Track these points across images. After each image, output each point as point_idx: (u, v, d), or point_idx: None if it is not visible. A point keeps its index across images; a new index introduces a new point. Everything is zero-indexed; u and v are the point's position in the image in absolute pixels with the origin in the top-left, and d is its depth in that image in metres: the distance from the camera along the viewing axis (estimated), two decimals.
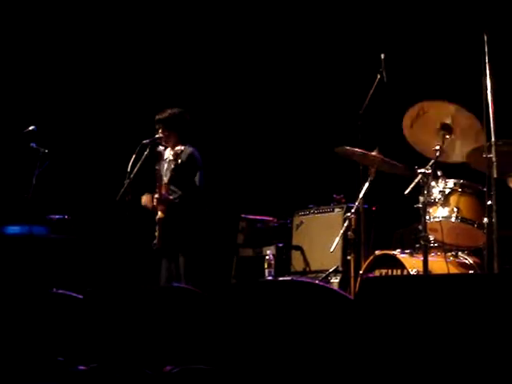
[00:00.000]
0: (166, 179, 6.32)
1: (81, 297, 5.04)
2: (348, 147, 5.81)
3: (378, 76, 6.00)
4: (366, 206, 6.18)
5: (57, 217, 7.57)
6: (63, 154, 8.44)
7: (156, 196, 6.31)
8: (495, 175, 4.61)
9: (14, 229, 7.43)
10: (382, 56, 5.98)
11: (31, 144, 6.90)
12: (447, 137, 5.46)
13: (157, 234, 6.38)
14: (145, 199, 6.45)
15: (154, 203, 6.33)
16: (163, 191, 6.29)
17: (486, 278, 3.89)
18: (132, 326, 4.75)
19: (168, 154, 6.52)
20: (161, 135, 6.40)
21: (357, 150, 5.79)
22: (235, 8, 8.68)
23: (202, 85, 8.78)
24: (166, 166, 6.49)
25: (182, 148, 6.33)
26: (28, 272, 7.08)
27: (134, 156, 6.20)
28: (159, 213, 6.31)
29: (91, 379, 4.67)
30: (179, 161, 6.21)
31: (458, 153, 5.53)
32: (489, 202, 4.80)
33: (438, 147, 5.42)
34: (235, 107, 8.78)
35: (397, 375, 3.50)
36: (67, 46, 8.74)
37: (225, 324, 4.35)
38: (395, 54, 6.21)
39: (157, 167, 6.46)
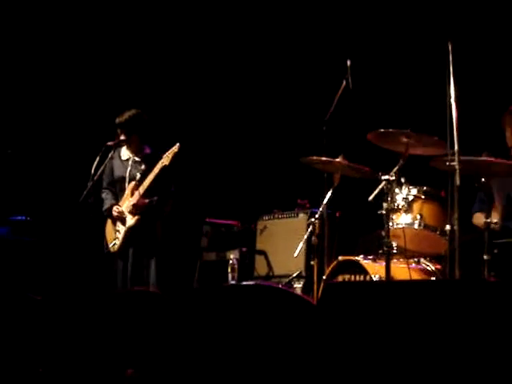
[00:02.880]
0: (143, 186, 6.28)
1: (39, 298, 5.01)
2: (313, 157, 5.82)
3: (344, 82, 6.02)
4: (329, 212, 6.20)
5: (18, 218, 7.50)
6: (26, 154, 8.37)
7: (132, 204, 6.29)
8: (458, 183, 4.65)
9: None
10: (348, 62, 6.00)
11: None
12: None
13: (119, 237, 6.37)
14: (119, 211, 6.40)
15: (129, 209, 6.31)
16: (140, 196, 6.29)
17: (447, 284, 3.92)
18: (94, 329, 4.72)
19: (127, 154, 6.50)
20: (124, 137, 6.39)
21: (322, 158, 5.81)
22: (197, 18, 8.70)
23: (169, 87, 8.76)
24: (129, 168, 6.45)
25: (169, 155, 6.26)
26: None
27: (97, 158, 6.18)
28: (132, 218, 6.30)
29: (51, 380, 4.65)
30: (164, 165, 6.19)
31: None
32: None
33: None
34: (200, 111, 8.77)
35: (358, 379, 3.52)
36: (29, 48, 8.65)
37: (187, 328, 4.34)
38: (361, 60, 6.23)
39: (117, 172, 6.47)
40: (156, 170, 6.23)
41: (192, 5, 8.65)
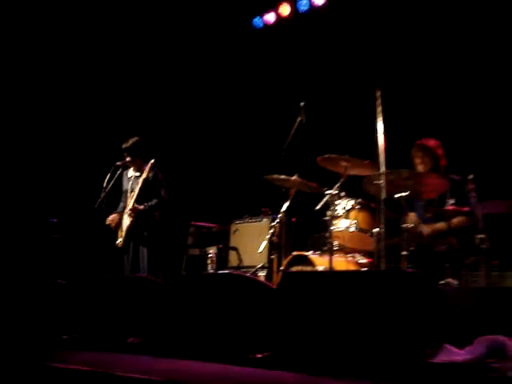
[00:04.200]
0: (135, 194, 6.39)
1: (64, 282, 5.05)
2: (274, 175, 5.91)
3: (299, 118, 6.06)
4: (286, 218, 6.22)
5: (52, 220, 7.52)
6: (56, 173, 8.38)
7: (128, 209, 6.38)
8: (384, 196, 4.76)
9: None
10: (302, 104, 6.05)
11: None
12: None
13: (121, 235, 6.43)
14: (111, 218, 6.50)
15: (127, 214, 6.39)
16: (133, 203, 6.37)
17: (375, 274, 4.03)
18: (104, 305, 4.76)
19: (132, 173, 6.62)
20: (129, 159, 6.49)
21: (281, 176, 5.91)
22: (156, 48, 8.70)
23: (155, 108, 8.79)
24: (131, 182, 6.57)
25: (147, 168, 6.40)
26: (29, 263, 7.14)
27: (108, 174, 6.31)
28: (128, 220, 6.38)
29: (72, 345, 4.68)
30: (144, 178, 6.33)
31: None
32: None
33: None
34: (188, 137, 8.82)
35: (311, 350, 3.60)
36: (53, 77, 8.55)
37: (176, 306, 4.39)
38: (312, 102, 6.29)
39: (124, 186, 6.60)
40: (140, 182, 6.38)
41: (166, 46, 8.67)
